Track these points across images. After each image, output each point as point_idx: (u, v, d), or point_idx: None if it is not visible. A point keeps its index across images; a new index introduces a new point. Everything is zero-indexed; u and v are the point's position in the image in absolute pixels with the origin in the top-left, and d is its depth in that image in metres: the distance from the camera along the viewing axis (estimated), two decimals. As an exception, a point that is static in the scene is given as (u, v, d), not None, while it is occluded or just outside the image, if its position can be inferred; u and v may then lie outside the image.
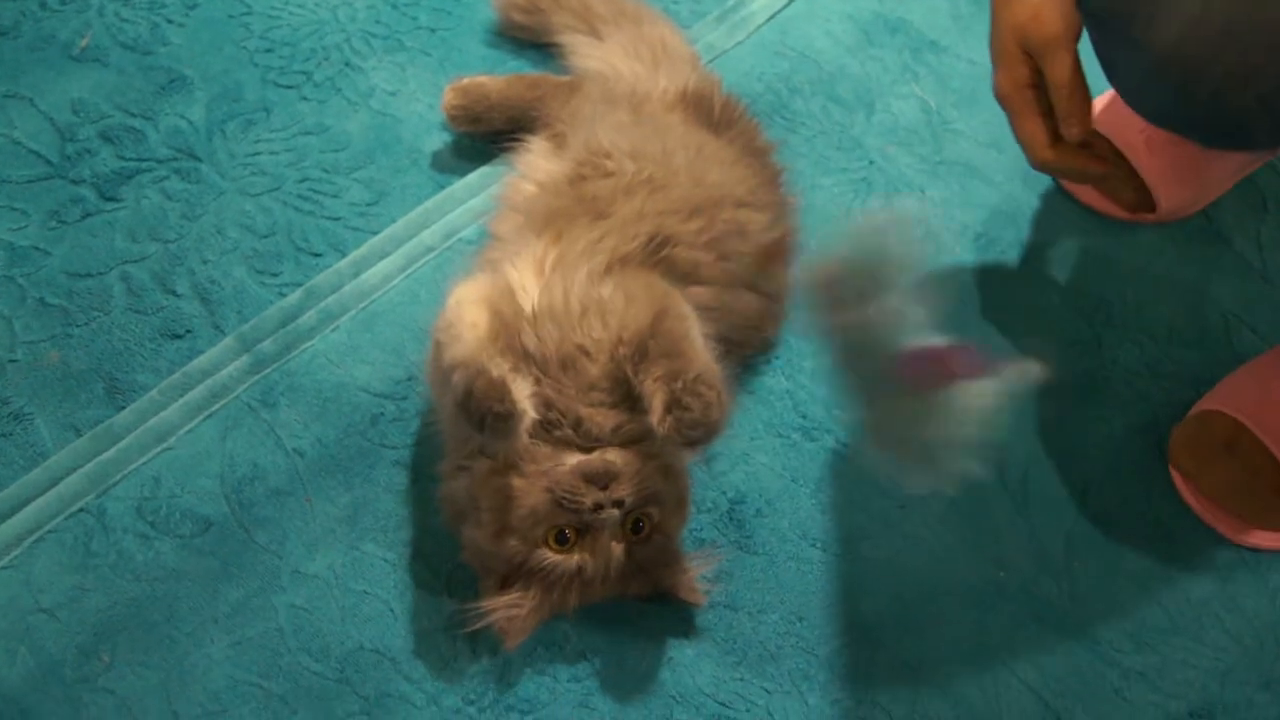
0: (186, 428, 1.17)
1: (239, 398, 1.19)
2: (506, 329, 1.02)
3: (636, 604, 1.08)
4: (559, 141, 1.25)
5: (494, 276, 1.08)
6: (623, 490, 0.99)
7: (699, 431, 0.95)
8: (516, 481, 1.00)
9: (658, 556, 1.04)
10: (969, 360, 0.85)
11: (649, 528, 1.01)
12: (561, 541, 1.00)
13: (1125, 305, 1.33)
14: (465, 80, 1.33)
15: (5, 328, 1.22)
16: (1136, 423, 1.26)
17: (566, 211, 1.13)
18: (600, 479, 0.99)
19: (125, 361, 1.20)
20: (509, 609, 1.01)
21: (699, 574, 1.07)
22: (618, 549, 1.00)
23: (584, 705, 1.08)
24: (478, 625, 1.02)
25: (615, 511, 0.98)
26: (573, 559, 1.00)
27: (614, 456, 1.00)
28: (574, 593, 1.02)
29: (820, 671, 1.11)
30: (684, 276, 1.10)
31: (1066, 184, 1.39)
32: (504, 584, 1.02)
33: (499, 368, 0.97)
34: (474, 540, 1.03)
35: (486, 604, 1.01)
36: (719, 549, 1.14)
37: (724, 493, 1.18)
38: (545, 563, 1.00)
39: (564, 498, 0.98)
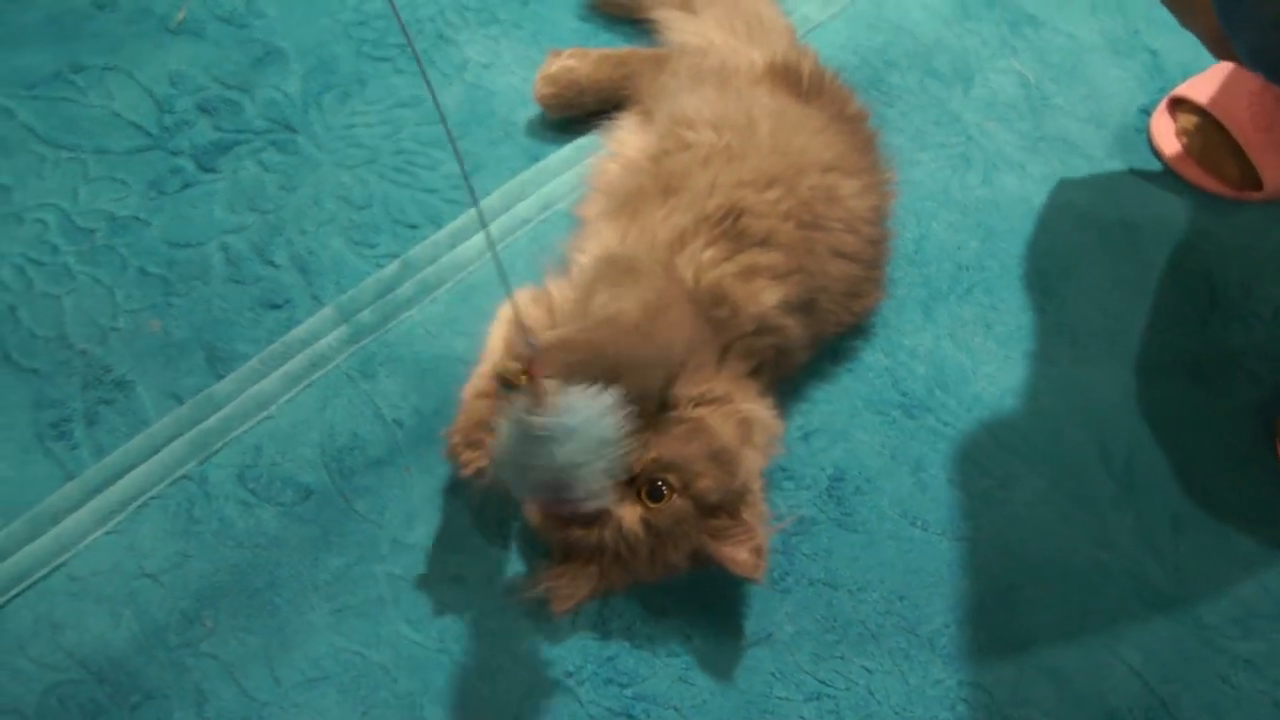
0: (286, 397, 1.18)
1: (338, 367, 1.19)
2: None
3: (734, 578, 1.04)
4: (647, 117, 1.24)
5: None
6: None
7: None
8: None
9: (690, 522, 1.00)
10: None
11: (670, 493, 0.99)
12: None
13: (1231, 285, 1.30)
14: (554, 67, 1.32)
15: (107, 296, 1.23)
16: (1243, 404, 1.23)
17: (643, 191, 1.12)
18: None
19: (225, 331, 1.21)
20: (558, 579, 1.01)
21: (751, 545, 1.02)
22: (632, 519, 0.99)
23: (682, 680, 1.07)
24: (532, 592, 1.03)
25: None
26: (592, 534, 0.99)
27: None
28: (616, 567, 1.01)
29: (921, 651, 1.10)
30: (760, 243, 1.08)
31: (1172, 162, 1.36)
32: (564, 557, 1.03)
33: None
34: (529, 517, 1.04)
35: (545, 574, 1.02)
36: (816, 524, 1.13)
37: (823, 469, 1.17)
38: (573, 539, 1.00)
39: None
